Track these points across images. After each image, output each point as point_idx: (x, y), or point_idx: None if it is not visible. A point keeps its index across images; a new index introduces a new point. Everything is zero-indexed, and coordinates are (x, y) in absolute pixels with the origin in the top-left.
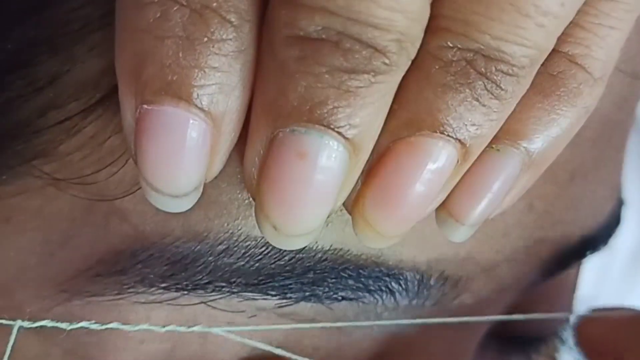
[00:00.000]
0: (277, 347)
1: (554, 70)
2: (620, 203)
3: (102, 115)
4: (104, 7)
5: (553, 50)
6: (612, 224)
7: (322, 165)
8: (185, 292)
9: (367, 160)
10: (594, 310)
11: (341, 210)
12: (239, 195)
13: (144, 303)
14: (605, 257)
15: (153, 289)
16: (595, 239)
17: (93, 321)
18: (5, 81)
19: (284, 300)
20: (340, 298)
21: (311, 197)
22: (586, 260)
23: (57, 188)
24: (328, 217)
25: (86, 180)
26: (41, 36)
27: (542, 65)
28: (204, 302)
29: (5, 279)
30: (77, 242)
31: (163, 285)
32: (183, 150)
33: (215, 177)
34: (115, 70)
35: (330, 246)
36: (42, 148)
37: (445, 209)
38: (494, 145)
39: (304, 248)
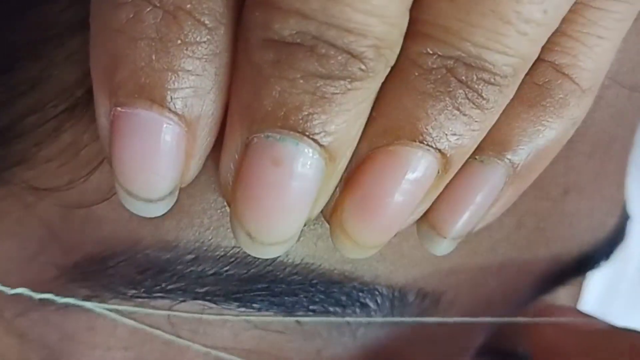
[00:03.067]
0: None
1: (539, 80)
2: (624, 218)
3: (81, 121)
4: (83, 12)
5: (539, 59)
6: (614, 240)
7: (297, 173)
8: (153, 299)
9: (346, 168)
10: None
11: (313, 224)
12: (212, 205)
13: (110, 309)
14: (613, 272)
15: (121, 295)
16: (595, 255)
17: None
18: None
19: (251, 310)
20: (309, 312)
21: (286, 205)
22: (591, 275)
23: (36, 195)
24: (305, 225)
25: (64, 187)
26: (22, 41)
27: (527, 74)
28: (171, 310)
29: None
30: (54, 249)
31: (131, 292)
32: (157, 154)
33: (189, 186)
34: (89, 78)
35: (302, 260)
36: (22, 155)
37: (426, 221)
38: (477, 157)
39: (274, 261)
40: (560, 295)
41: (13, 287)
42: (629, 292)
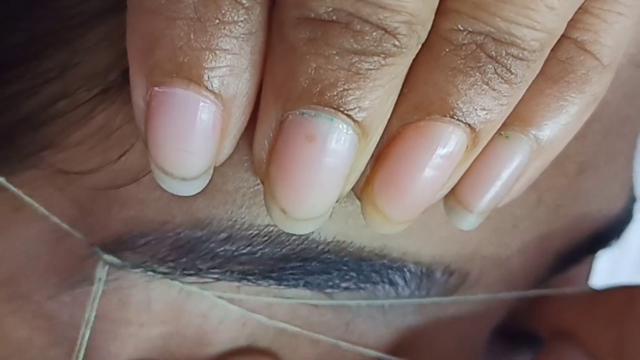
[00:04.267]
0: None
1: (562, 57)
2: (632, 199)
3: (113, 104)
4: None
5: (562, 36)
6: (624, 220)
7: (331, 149)
8: (186, 277)
9: (377, 145)
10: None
11: (344, 202)
12: (245, 184)
13: (144, 287)
14: (615, 256)
15: (153, 273)
16: (607, 234)
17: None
18: (14, 74)
19: (283, 287)
20: (342, 288)
21: (320, 181)
22: (599, 255)
23: (64, 178)
24: (336, 202)
25: (94, 170)
26: (50, 28)
27: (550, 51)
28: (204, 288)
29: (14, 268)
30: (82, 229)
31: (163, 269)
32: (193, 132)
33: (222, 165)
34: (124, 61)
35: (333, 238)
36: (51, 139)
37: (453, 197)
38: (502, 132)
39: (307, 239)
40: (573, 275)
41: (41, 269)
42: (631, 274)
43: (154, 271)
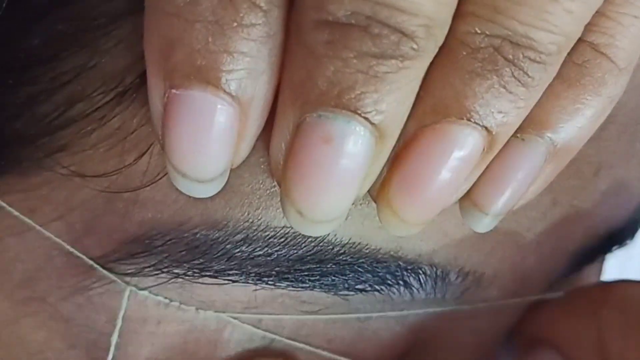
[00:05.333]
0: (289, 336)
1: (578, 60)
2: None
3: (129, 107)
4: (131, 0)
5: (578, 39)
6: (637, 220)
7: (348, 151)
8: (202, 278)
9: (394, 147)
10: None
11: (360, 203)
12: (261, 185)
13: (159, 287)
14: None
15: (169, 274)
16: (621, 234)
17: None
18: (31, 75)
19: (299, 289)
20: (357, 290)
21: (336, 183)
22: (606, 257)
23: (79, 180)
24: (353, 204)
25: (109, 173)
26: (67, 30)
27: (567, 54)
28: (220, 288)
29: (29, 270)
30: (98, 231)
31: (179, 270)
32: (210, 135)
33: (238, 167)
34: (141, 64)
35: (349, 240)
36: (68, 141)
37: (469, 199)
38: (519, 135)
39: (322, 240)
40: (584, 274)
41: (56, 271)
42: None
43: (170, 272)
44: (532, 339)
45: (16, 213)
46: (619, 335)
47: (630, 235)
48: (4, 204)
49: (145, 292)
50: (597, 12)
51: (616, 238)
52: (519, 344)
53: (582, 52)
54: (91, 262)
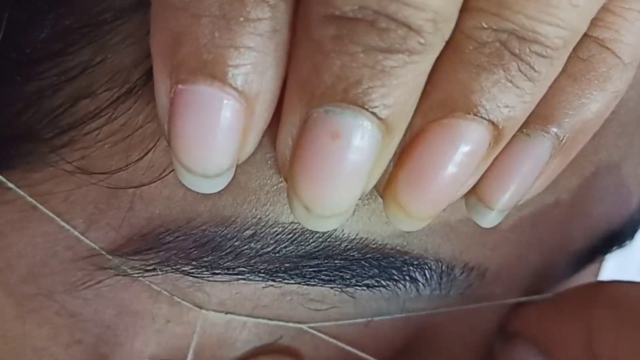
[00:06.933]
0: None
1: (583, 55)
2: None
3: (136, 103)
4: None
5: (583, 34)
6: (638, 219)
7: (355, 146)
8: (211, 275)
9: (400, 142)
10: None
11: (367, 199)
12: (268, 181)
13: (170, 286)
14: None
15: (177, 271)
16: (621, 233)
17: None
18: (37, 71)
19: (307, 286)
20: (363, 286)
21: (343, 178)
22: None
23: (85, 175)
24: (359, 199)
25: (113, 168)
26: (74, 26)
27: (572, 49)
28: (229, 287)
29: (34, 265)
30: (102, 226)
31: (188, 267)
32: (216, 130)
33: (245, 163)
34: (148, 60)
35: (356, 235)
36: (73, 136)
37: (474, 194)
38: (524, 130)
39: (330, 236)
40: (582, 274)
41: (60, 266)
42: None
43: (179, 270)
44: (511, 334)
45: (18, 208)
46: (610, 333)
47: (630, 235)
48: (8, 199)
49: (157, 288)
50: (602, 7)
51: (617, 237)
52: (501, 340)
53: (587, 47)
54: (105, 253)
